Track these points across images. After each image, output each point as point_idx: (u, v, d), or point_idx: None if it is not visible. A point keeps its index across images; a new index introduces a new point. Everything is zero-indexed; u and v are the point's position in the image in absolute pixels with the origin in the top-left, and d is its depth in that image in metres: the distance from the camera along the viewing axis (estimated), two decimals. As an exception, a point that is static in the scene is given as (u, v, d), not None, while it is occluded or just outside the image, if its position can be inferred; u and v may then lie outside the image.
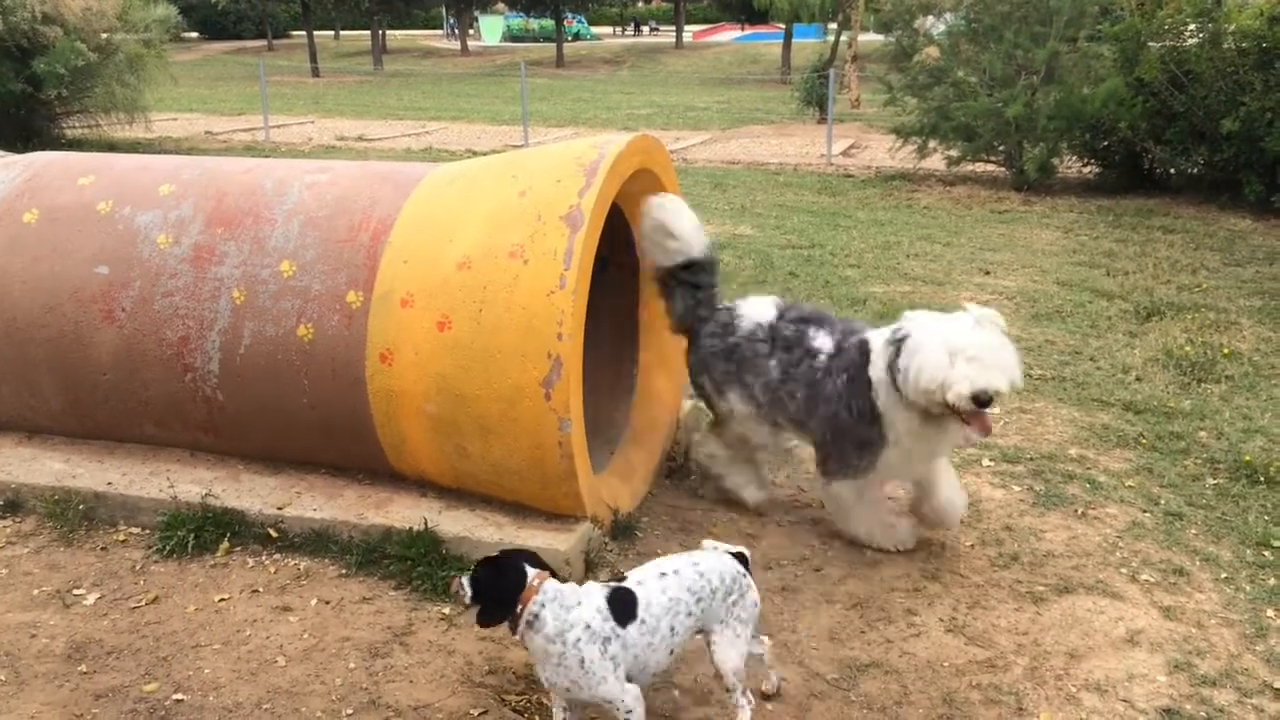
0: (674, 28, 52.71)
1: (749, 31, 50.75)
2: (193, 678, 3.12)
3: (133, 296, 4.06)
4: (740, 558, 2.92)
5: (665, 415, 4.51)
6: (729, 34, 55.13)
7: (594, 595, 2.71)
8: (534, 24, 57.63)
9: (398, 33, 59.38)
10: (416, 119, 22.52)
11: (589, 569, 3.69)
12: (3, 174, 4.50)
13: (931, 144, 13.12)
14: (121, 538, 3.93)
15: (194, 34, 55.09)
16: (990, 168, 13.61)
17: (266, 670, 3.16)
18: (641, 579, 2.78)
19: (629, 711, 2.65)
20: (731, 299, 4.22)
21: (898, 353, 3.58)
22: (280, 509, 3.88)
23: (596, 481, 3.87)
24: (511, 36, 58.94)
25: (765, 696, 3.02)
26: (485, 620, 2.71)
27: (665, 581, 2.76)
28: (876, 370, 3.68)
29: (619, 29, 69.86)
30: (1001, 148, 12.78)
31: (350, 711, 2.98)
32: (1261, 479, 4.53)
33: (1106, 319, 7.09)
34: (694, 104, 26.89)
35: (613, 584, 2.78)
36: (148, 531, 3.93)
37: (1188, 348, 6.33)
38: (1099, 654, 3.31)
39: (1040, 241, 9.78)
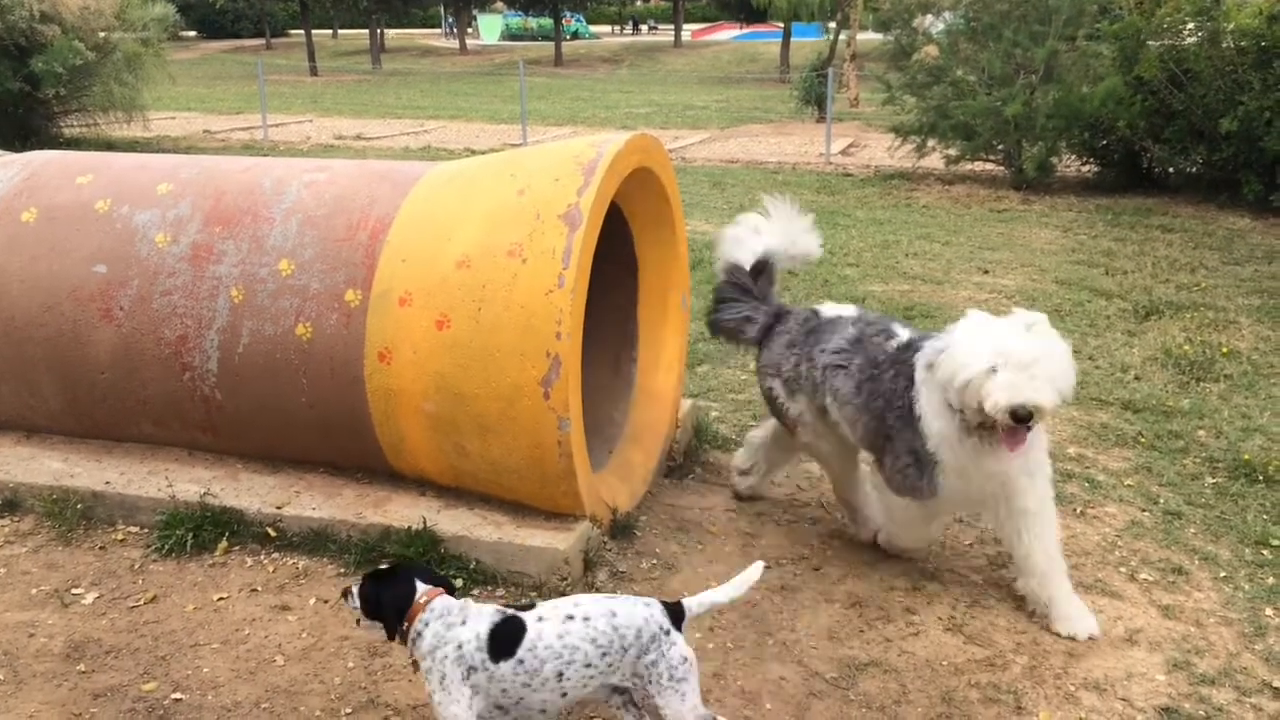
0: (673, 26, 52.70)
1: (748, 30, 50.73)
2: (191, 677, 3.12)
3: (131, 295, 4.06)
4: (676, 611, 2.64)
5: (664, 415, 4.51)
6: (728, 33, 55.12)
7: (480, 619, 2.58)
8: (532, 23, 57.63)
9: (396, 31, 59.36)
10: (415, 118, 22.51)
11: (588, 568, 3.69)
12: (1, 173, 4.49)
13: (930, 143, 13.12)
14: (120, 537, 3.93)
15: (192, 33, 55.08)
16: (989, 167, 13.61)
17: (265, 669, 3.16)
18: (546, 614, 2.59)
19: None
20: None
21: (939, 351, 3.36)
22: (279, 508, 3.88)
23: (595, 480, 3.86)
24: (510, 35, 58.92)
25: None
26: (391, 636, 2.63)
27: (568, 625, 2.55)
28: (918, 369, 3.43)
29: (617, 28, 69.85)
30: (1000, 147, 12.78)
31: (349, 710, 2.98)
32: (1260, 478, 4.54)
33: (1105, 318, 7.09)
34: (693, 103, 26.89)
35: (511, 611, 2.62)
36: (146, 531, 3.93)
37: (1186, 347, 6.33)
38: (1098, 653, 3.31)
39: (1039, 240, 9.78)
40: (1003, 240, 9.80)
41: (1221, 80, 10.99)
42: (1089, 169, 13.29)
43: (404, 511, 3.81)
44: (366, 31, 45.61)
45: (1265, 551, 3.95)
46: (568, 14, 51.00)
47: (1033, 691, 3.11)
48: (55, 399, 4.27)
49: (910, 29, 13.48)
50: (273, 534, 3.83)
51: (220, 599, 3.53)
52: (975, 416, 3.24)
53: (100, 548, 3.86)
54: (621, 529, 3.94)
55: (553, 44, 45.33)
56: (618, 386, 4.56)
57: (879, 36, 15.18)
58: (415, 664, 2.63)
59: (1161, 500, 4.38)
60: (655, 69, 41.13)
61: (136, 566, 3.74)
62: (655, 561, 3.82)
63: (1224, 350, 6.29)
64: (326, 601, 3.51)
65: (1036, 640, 3.37)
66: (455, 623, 2.57)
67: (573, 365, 3.50)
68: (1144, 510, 4.29)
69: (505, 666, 2.52)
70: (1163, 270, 8.49)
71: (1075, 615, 3.38)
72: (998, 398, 3.10)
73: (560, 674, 2.53)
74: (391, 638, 2.64)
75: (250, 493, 3.99)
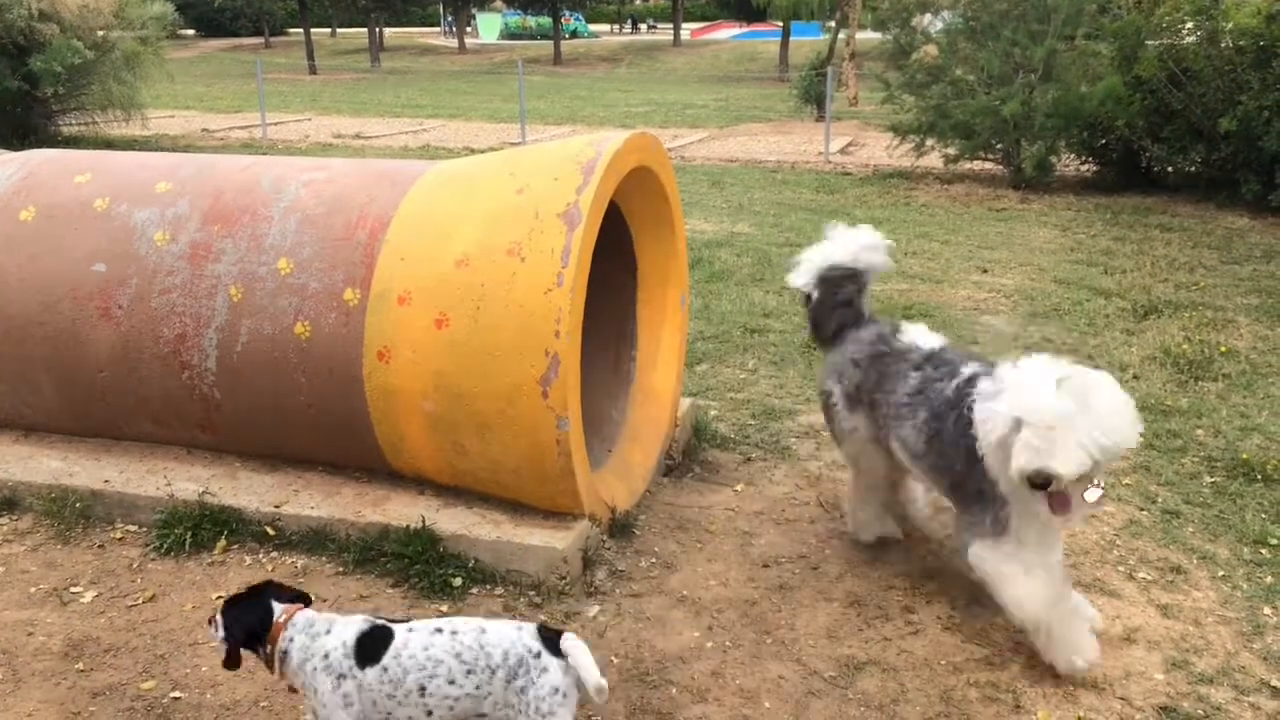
0: (672, 25, 52.69)
1: (747, 29, 50.72)
2: (190, 675, 3.12)
3: (130, 294, 4.06)
4: (550, 636, 2.51)
5: (663, 414, 4.51)
6: (727, 31, 55.10)
7: (346, 628, 2.54)
8: (531, 21, 57.62)
9: (395, 30, 59.33)
10: (414, 117, 22.50)
11: (586, 566, 3.69)
12: (-1, 171, 4.49)
13: (929, 142, 13.12)
14: (119, 535, 3.92)
15: (190, 31, 55.06)
16: (988, 166, 13.61)
17: (264, 668, 3.15)
18: (417, 627, 2.54)
19: None
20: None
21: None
22: (278, 507, 3.88)
23: (594, 479, 3.86)
24: (509, 34, 58.91)
25: None
26: (227, 663, 2.57)
27: (435, 638, 2.49)
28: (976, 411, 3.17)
29: (616, 26, 69.84)
30: (999, 146, 12.77)
31: (348, 709, 2.98)
32: (1259, 477, 4.54)
33: (1104, 317, 7.09)
34: (692, 102, 26.88)
35: (382, 620, 2.58)
36: (145, 529, 3.93)
37: (1185, 346, 6.33)
38: (1096, 652, 3.31)
39: (1038, 240, 9.78)
40: (1001, 239, 9.80)
41: (1220, 80, 11.00)
42: (1088, 168, 13.29)
43: (403, 510, 3.81)
44: (365, 30, 45.60)
45: (1264, 550, 3.95)
46: (566, 13, 50.98)
47: (1031, 690, 3.12)
48: (54, 397, 4.27)
49: (909, 28, 13.48)
50: (271, 533, 3.83)
51: (219, 598, 3.53)
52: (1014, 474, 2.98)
53: (99, 546, 3.86)
54: (620, 528, 3.94)
55: (552, 43, 45.32)
56: (617, 385, 4.56)
57: (878, 35, 15.19)
58: (291, 688, 2.58)
59: (1160, 499, 4.38)
60: (654, 68, 41.12)
61: (135, 565, 3.74)
62: (654, 560, 3.82)
63: (1222, 349, 6.29)
64: (325, 601, 3.51)
65: (1034, 637, 3.37)
66: (320, 633, 2.53)
67: (571, 364, 3.50)
68: (1142, 509, 4.29)
69: (371, 674, 2.47)
70: (1161, 269, 8.49)
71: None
72: (1016, 461, 2.91)
73: (423, 688, 2.45)
74: (235, 664, 2.57)
75: (249, 491, 3.99)
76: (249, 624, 2.55)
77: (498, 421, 3.57)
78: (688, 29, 54.74)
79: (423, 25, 64.21)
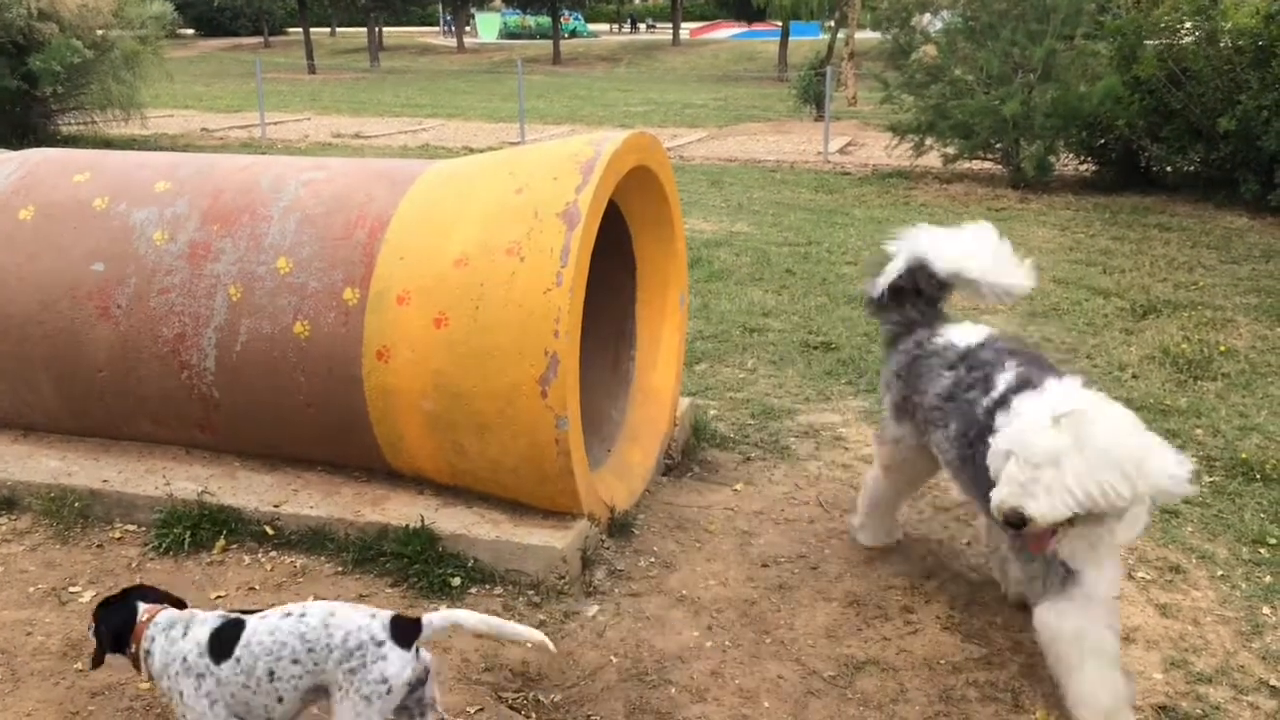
0: (671, 25, 52.69)
1: (746, 29, 50.73)
2: (189, 675, 3.11)
3: (129, 293, 4.05)
4: (405, 626, 2.50)
5: (662, 413, 4.51)
6: (726, 31, 55.11)
7: (201, 626, 2.55)
8: (530, 21, 57.62)
9: (394, 30, 59.31)
10: (413, 116, 22.50)
11: (586, 566, 3.69)
12: (-2, 171, 4.48)
13: (928, 142, 13.13)
14: (117, 535, 3.92)
15: (190, 31, 55.03)
16: (987, 165, 13.62)
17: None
18: (267, 614, 2.54)
19: None
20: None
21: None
22: (277, 506, 3.88)
23: (593, 479, 3.86)
24: (508, 34, 58.92)
25: None
26: (92, 664, 2.61)
27: (283, 622, 2.50)
28: None
29: (616, 26, 69.83)
30: (998, 145, 12.78)
31: (347, 709, 2.98)
32: (1258, 476, 4.54)
33: (1103, 317, 7.09)
34: (691, 101, 26.88)
35: (237, 615, 2.58)
36: (144, 529, 3.93)
37: (1184, 345, 6.33)
38: (1095, 651, 3.31)
39: (1037, 239, 9.79)
40: (1001, 239, 9.79)
41: (1219, 79, 11.00)
42: (1087, 168, 13.30)
43: (402, 510, 3.81)
44: (365, 30, 45.58)
45: (1262, 550, 3.95)
46: (566, 12, 50.97)
47: (1030, 689, 3.12)
48: (53, 397, 4.27)
49: (908, 28, 13.48)
50: (270, 532, 3.83)
51: (218, 597, 3.53)
52: None
53: (98, 546, 3.86)
54: (619, 527, 3.94)
55: (551, 42, 45.32)
56: (616, 385, 4.56)
57: (877, 35, 15.19)
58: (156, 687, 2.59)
59: (1159, 499, 4.38)
60: (653, 67, 41.12)
61: (134, 565, 3.74)
62: (653, 560, 3.82)
63: (1221, 349, 6.30)
64: (324, 600, 3.50)
65: (1034, 638, 3.37)
66: (179, 636, 2.54)
67: (571, 364, 3.50)
68: (1141, 509, 4.29)
69: (226, 668, 2.48)
70: (1160, 269, 8.50)
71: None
72: (995, 494, 2.75)
73: (272, 672, 2.46)
74: (98, 664, 2.59)
75: (248, 491, 3.99)
76: (114, 625, 2.58)
77: (497, 421, 3.57)
78: (687, 28, 54.73)
79: (422, 25, 64.19)
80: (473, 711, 2.98)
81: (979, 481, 3.04)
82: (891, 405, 3.62)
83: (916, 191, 12.61)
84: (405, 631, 2.49)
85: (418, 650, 2.49)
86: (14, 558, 3.78)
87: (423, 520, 3.71)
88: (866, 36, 25.09)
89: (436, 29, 63.29)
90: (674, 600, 3.58)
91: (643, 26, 68.87)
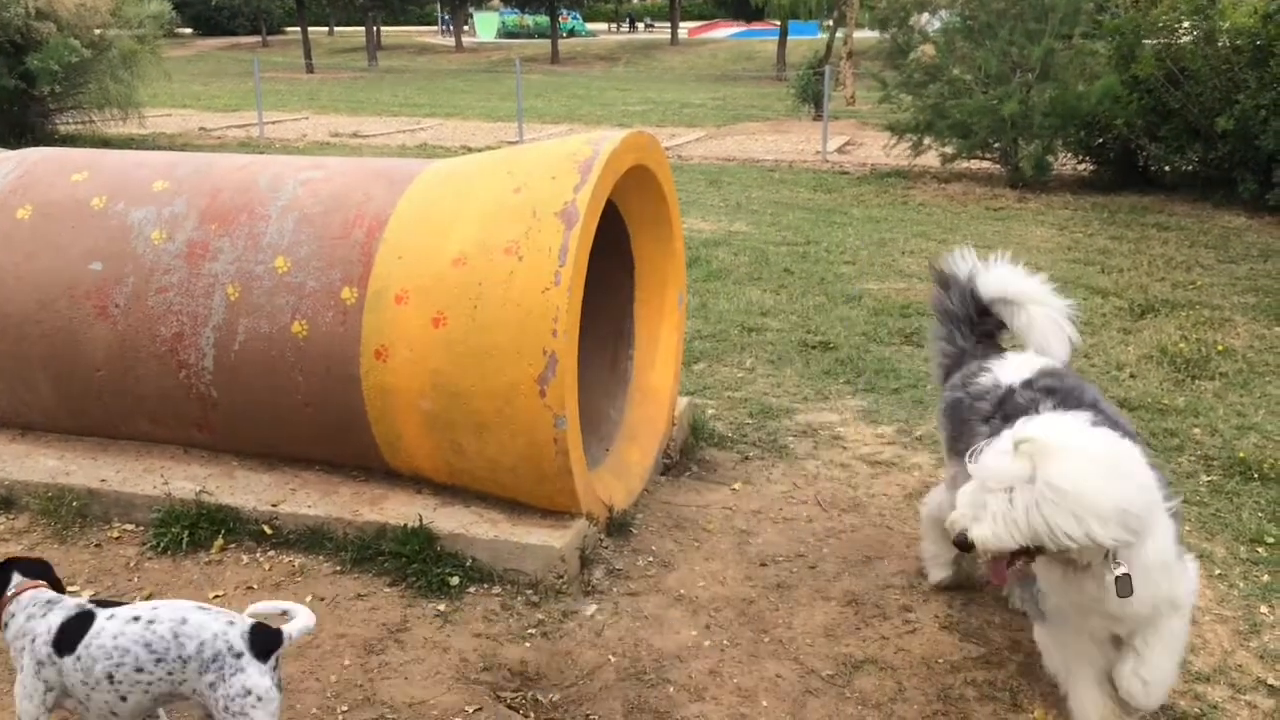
0: (669, 24, 52.69)
1: (744, 28, 50.74)
2: (187, 675, 3.11)
3: (127, 293, 4.05)
4: (265, 636, 2.46)
5: (661, 413, 4.51)
6: (724, 30, 55.13)
7: (57, 613, 2.52)
8: (529, 20, 57.65)
9: (392, 29, 59.29)
10: (411, 115, 22.49)
11: (584, 565, 3.69)
12: (-4, 170, 4.48)
13: (926, 141, 13.14)
14: (116, 535, 3.92)
15: (188, 30, 54.99)
16: (985, 165, 13.62)
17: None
18: (117, 613, 2.50)
19: None
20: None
21: None
22: (275, 506, 3.88)
23: (592, 478, 3.86)
24: (506, 33, 58.93)
25: None
26: None
27: (130, 626, 2.45)
28: None
29: (614, 25, 69.84)
30: (996, 145, 12.79)
31: (345, 709, 2.98)
32: (1255, 475, 4.54)
33: (1101, 316, 7.10)
34: (689, 101, 26.88)
35: (90, 606, 2.55)
36: (142, 528, 3.92)
37: (1182, 345, 6.34)
38: (1093, 650, 3.31)
39: (1035, 239, 9.79)
40: (999, 238, 9.81)
41: (1217, 79, 11.01)
42: (1085, 167, 13.31)
43: (400, 509, 3.81)
44: (363, 29, 45.58)
45: (1260, 549, 3.96)
46: (564, 11, 50.96)
47: (1028, 688, 3.12)
48: (50, 396, 4.27)
49: (907, 27, 13.50)
50: (268, 532, 3.83)
51: (216, 597, 3.52)
52: None
53: (96, 545, 3.85)
54: (618, 527, 3.94)
55: (549, 41, 45.31)
56: (614, 384, 4.56)
57: (876, 35, 15.20)
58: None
59: (1157, 498, 4.38)
60: (652, 67, 41.12)
61: (132, 564, 3.73)
62: (652, 559, 3.83)
63: (1219, 348, 6.30)
64: (322, 599, 3.50)
65: (1032, 637, 3.37)
66: (37, 615, 2.53)
67: (569, 363, 3.50)
68: (1139, 508, 4.29)
69: (68, 661, 2.47)
70: (1158, 268, 8.50)
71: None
72: (952, 515, 2.65)
73: (110, 676, 2.44)
74: None
75: (246, 490, 3.99)
76: None
77: (495, 420, 3.57)
78: (685, 28, 54.75)
79: (420, 24, 64.17)
80: (471, 711, 2.98)
81: None
82: (945, 442, 3.44)
83: (915, 191, 12.62)
84: (265, 642, 2.45)
85: (278, 662, 2.46)
86: (12, 557, 3.78)
87: (421, 519, 3.71)
88: (865, 36, 25.09)
89: (435, 28, 63.27)
90: (672, 599, 3.58)
91: (641, 26, 68.88)
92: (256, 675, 2.41)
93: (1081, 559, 2.59)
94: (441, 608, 3.46)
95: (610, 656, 3.25)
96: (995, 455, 2.57)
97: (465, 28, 53.37)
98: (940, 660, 3.26)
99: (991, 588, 3.55)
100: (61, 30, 14.86)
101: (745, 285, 7.86)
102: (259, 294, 3.90)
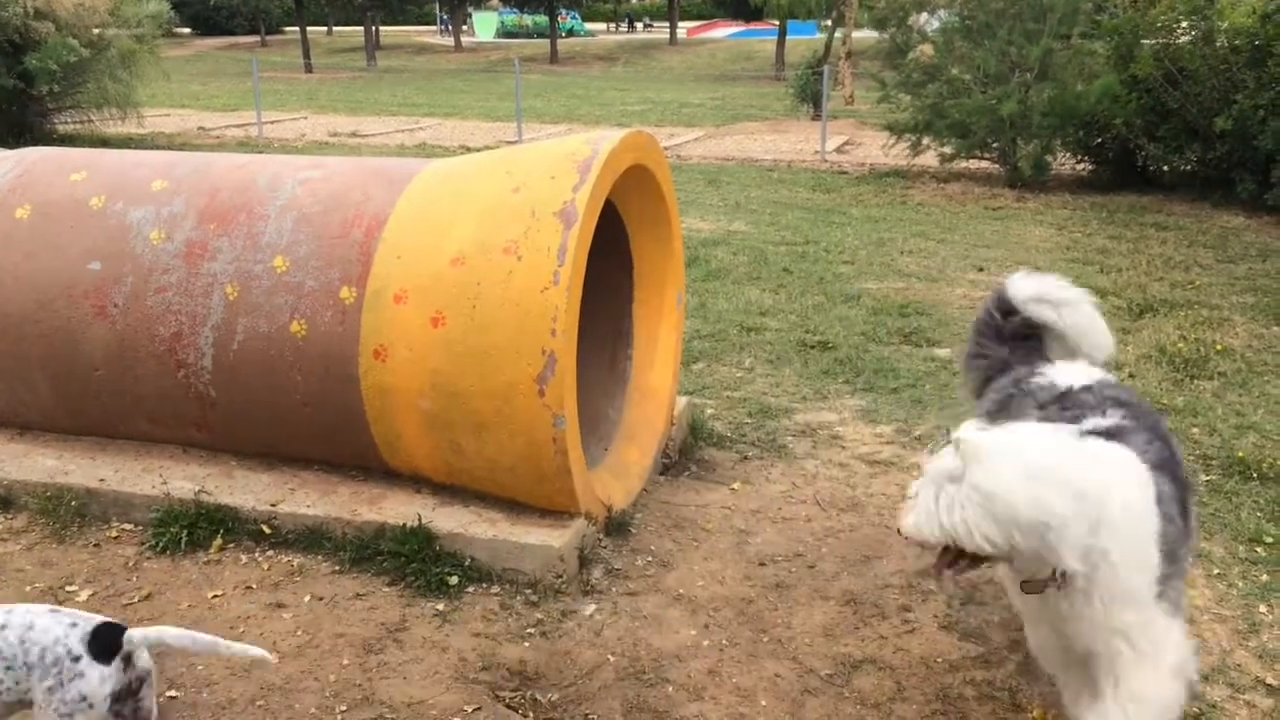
0: (668, 24, 52.69)
1: (743, 28, 50.75)
2: (186, 674, 3.11)
3: (125, 292, 4.05)
4: (106, 637, 2.39)
5: (660, 412, 4.51)
6: (723, 30, 55.14)
7: None
8: (528, 20, 57.66)
9: (391, 29, 59.28)
10: (410, 115, 22.48)
11: (583, 565, 3.69)
12: (-6, 169, 4.48)
13: (925, 141, 13.14)
14: (114, 534, 3.92)
15: (186, 30, 54.95)
16: (984, 165, 13.63)
17: (259, 667, 3.15)
18: None
19: None
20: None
21: None
22: (273, 505, 3.88)
23: (590, 478, 3.86)
24: (505, 33, 58.94)
25: None
26: None
27: None
28: None
29: (613, 25, 69.84)
30: (995, 145, 12.79)
31: (344, 708, 2.98)
32: (1254, 475, 4.55)
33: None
34: (688, 100, 26.88)
35: None
36: (140, 528, 3.92)
37: (1181, 344, 6.34)
38: (1092, 650, 3.31)
39: (1034, 238, 9.80)
40: (997, 238, 9.81)
41: (1216, 79, 11.02)
42: (1084, 167, 13.31)
43: (399, 509, 3.81)
44: (361, 29, 45.57)
45: (1259, 549, 3.96)
46: (563, 11, 50.97)
47: (1027, 688, 3.12)
48: (49, 396, 4.26)
49: (905, 27, 13.50)
50: (267, 531, 3.83)
51: (215, 596, 3.52)
52: None
53: (94, 545, 3.85)
54: (617, 526, 3.94)
55: (548, 41, 45.30)
56: (613, 384, 4.56)
57: (874, 34, 15.20)
58: None
59: (1156, 498, 4.38)
60: (650, 66, 41.12)
61: (131, 564, 3.73)
62: (651, 559, 3.82)
63: (1218, 348, 6.30)
64: (321, 599, 3.50)
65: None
66: None
67: (568, 363, 3.50)
68: (1138, 507, 4.30)
69: None
70: (1157, 268, 8.50)
71: None
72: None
73: None
74: None
75: (245, 490, 3.99)
76: None
77: (494, 420, 3.57)
78: (684, 28, 54.77)
79: (419, 24, 64.17)
80: (470, 710, 2.98)
81: None
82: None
83: (913, 191, 12.62)
84: (105, 643, 2.39)
85: (127, 660, 2.40)
86: (10, 557, 3.77)
87: (420, 519, 3.71)
88: (864, 36, 25.10)
89: (433, 28, 63.27)
90: (671, 599, 3.58)
91: (640, 25, 68.90)
92: (95, 681, 2.35)
93: (1024, 571, 2.49)
94: (440, 607, 3.46)
95: (609, 656, 3.25)
96: (941, 453, 2.50)
97: (464, 27, 53.37)
98: (939, 660, 3.26)
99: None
100: (60, 30, 14.85)
101: (744, 285, 7.86)
102: (258, 293, 3.90)
